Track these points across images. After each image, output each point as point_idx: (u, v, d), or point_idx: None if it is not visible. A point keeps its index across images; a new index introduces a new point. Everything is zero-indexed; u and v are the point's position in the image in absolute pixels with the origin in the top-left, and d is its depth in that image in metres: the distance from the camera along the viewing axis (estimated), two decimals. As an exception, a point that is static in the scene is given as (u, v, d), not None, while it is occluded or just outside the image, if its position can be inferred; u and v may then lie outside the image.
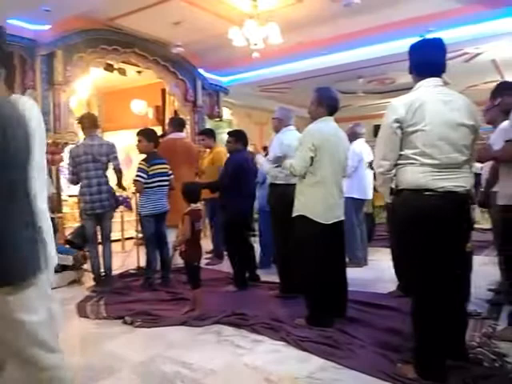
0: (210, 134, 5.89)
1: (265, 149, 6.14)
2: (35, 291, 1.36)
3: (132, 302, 3.89)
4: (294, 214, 3.24)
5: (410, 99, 2.23)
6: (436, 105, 2.20)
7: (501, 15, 5.46)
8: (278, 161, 3.52)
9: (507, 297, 3.06)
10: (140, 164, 4.33)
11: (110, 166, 4.50)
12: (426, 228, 2.19)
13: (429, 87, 2.27)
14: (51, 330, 1.41)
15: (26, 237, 1.34)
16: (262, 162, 3.86)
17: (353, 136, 5.12)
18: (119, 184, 4.60)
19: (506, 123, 3.12)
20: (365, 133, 5.28)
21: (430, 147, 2.18)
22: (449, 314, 2.30)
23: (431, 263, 2.23)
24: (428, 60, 2.33)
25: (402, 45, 6.10)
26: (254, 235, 5.76)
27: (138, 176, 4.26)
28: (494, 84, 3.28)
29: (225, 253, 5.70)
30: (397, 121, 2.20)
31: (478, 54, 7.08)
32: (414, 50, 2.40)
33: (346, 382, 2.39)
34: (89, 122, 4.47)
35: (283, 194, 3.74)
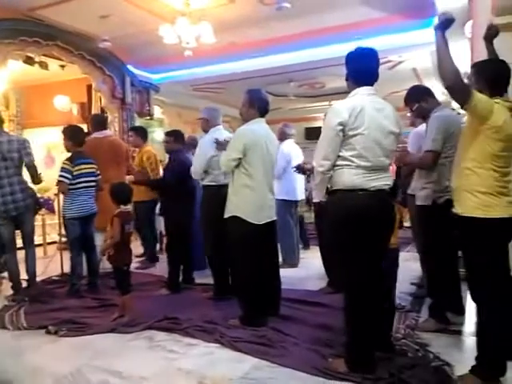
0: (140, 131, 5.71)
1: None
2: None
3: (56, 311, 3.65)
4: (227, 215, 3.23)
5: (351, 104, 2.33)
6: (372, 111, 2.33)
7: (422, 26, 5.82)
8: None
9: (427, 290, 3.27)
10: (64, 164, 4.08)
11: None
12: (362, 224, 2.29)
13: (363, 95, 2.39)
14: None
15: None
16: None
17: (282, 136, 5.18)
18: (33, 180, 4.27)
19: (420, 127, 3.34)
20: (294, 134, 5.33)
21: (367, 150, 2.31)
22: (379, 307, 2.42)
23: (364, 259, 2.33)
24: (365, 69, 2.45)
25: (332, 50, 6.30)
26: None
27: (61, 176, 4.01)
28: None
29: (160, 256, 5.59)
30: (340, 123, 2.29)
31: (400, 62, 7.52)
32: (353, 58, 2.48)
33: (280, 379, 2.42)
34: None
35: (214, 195, 3.72)
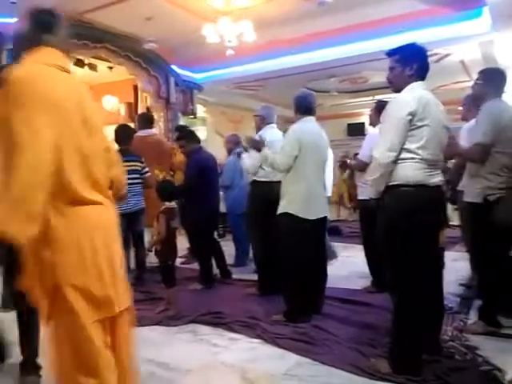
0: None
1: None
2: None
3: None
4: (279, 212, 3.23)
5: (417, 94, 2.27)
6: (433, 104, 2.29)
7: (468, 17, 5.61)
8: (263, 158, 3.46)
9: (477, 291, 3.15)
10: None
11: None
12: (423, 221, 2.24)
13: (419, 88, 2.34)
14: None
15: None
16: (244, 157, 3.88)
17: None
18: None
19: (471, 122, 3.21)
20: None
21: (430, 143, 2.26)
22: (429, 309, 2.36)
23: (420, 258, 2.26)
24: (427, 67, 2.42)
25: (375, 44, 6.16)
26: (219, 235, 5.85)
27: None
28: (463, 84, 3.34)
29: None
30: (410, 114, 2.23)
31: (447, 55, 7.24)
32: (420, 55, 2.42)
33: (321, 377, 2.41)
34: None
35: (265, 192, 3.71)
